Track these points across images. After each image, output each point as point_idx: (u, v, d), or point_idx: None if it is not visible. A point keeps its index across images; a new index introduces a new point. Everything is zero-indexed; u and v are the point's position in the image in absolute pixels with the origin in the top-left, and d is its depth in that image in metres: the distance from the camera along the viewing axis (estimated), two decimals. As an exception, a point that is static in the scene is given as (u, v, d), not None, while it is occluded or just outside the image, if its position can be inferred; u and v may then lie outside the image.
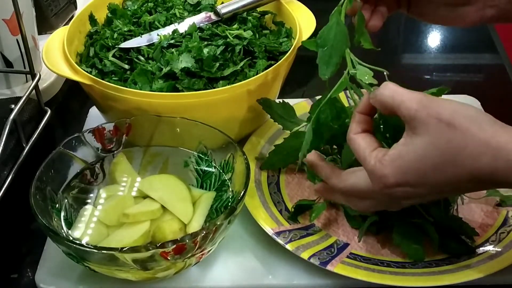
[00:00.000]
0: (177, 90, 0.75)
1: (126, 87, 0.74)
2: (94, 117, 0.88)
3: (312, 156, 0.65)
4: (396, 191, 0.55)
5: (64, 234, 0.66)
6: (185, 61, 0.76)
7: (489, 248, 0.68)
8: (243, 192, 0.64)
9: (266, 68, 0.77)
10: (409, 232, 0.68)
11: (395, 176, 0.54)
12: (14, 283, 0.70)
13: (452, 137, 0.51)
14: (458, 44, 1.14)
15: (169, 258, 0.59)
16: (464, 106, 0.53)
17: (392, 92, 0.55)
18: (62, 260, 0.65)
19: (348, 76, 0.62)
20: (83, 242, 0.66)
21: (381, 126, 0.63)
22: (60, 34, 0.80)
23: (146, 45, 0.81)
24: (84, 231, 0.67)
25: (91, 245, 0.64)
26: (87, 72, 0.76)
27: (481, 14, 0.70)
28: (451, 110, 0.52)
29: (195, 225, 0.68)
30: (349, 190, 0.60)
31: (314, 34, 0.82)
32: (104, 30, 0.84)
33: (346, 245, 0.69)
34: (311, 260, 0.66)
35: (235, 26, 0.84)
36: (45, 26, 1.00)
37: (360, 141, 0.58)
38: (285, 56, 0.77)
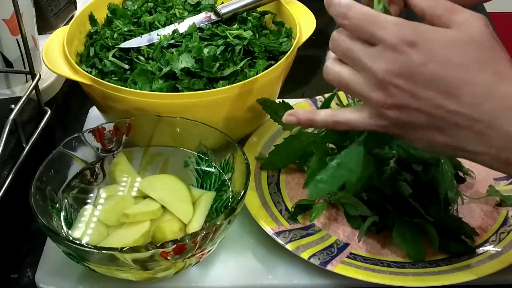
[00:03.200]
0: (177, 90, 0.75)
1: (126, 87, 0.74)
2: (94, 117, 0.88)
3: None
4: (407, 52, 0.49)
5: (64, 234, 0.66)
6: (185, 61, 0.76)
7: (489, 248, 0.68)
8: (243, 192, 0.64)
9: (266, 68, 0.77)
10: (409, 232, 0.68)
11: (420, 35, 0.49)
12: (14, 283, 0.70)
13: (496, 48, 0.50)
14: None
15: (169, 258, 0.59)
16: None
17: None
18: (62, 260, 0.65)
19: None
20: (83, 242, 0.66)
21: None
22: (60, 34, 0.80)
23: (146, 45, 0.81)
24: (84, 231, 0.67)
25: (91, 245, 0.64)
26: (87, 72, 0.76)
27: None
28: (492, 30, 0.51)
29: (195, 225, 0.68)
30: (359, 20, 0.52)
31: (314, 34, 0.82)
32: (104, 30, 0.84)
33: (346, 245, 0.69)
34: (311, 260, 0.66)
35: (235, 26, 0.84)
36: (45, 26, 0.99)
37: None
38: (285, 56, 0.77)
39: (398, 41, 0.49)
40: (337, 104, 0.83)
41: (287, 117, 0.60)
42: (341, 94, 0.83)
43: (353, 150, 0.60)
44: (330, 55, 0.56)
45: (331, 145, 0.70)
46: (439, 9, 0.51)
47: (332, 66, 0.55)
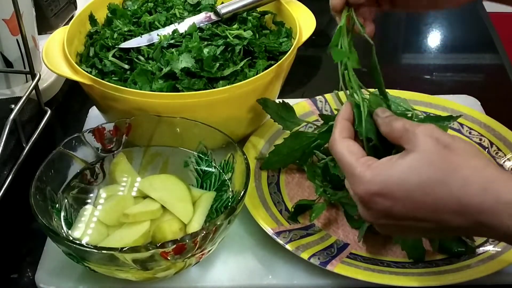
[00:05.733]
0: (177, 90, 0.75)
1: (126, 87, 0.74)
2: (94, 117, 0.88)
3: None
4: (376, 201, 0.53)
5: (64, 234, 0.66)
6: (185, 61, 0.76)
7: (489, 248, 0.68)
8: (243, 192, 0.64)
9: (266, 68, 0.77)
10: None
11: (380, 184, 0.53)
12: (14, 283, 0.70)
13: (447, 157, 0.51)
14: (458, 44, 1.14)
15: (169, 258, 0.59)
16: (464, 140, 0.54)
17: (404, 122, 0.55)
18: (62, 260, 0.65)
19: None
20: (83, 242, 0.66)
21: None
22: (60, 34, 0.80)
23: (146, 45, 0.81)
24: (84, 231, 0.67)
25: (91, 245, 0.64)
26: (87, 72, 0.76)
27: None
28: (451, 138, 0.53)
29: (195, 225, 0.68)
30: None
31: (314, 34, 0.82)
32: (104, 30, 0.84)
33: (346, 245, 0.69)
34: (311, 260, 0.66)
35: (235, 26, 0.84)
36: (45, 26, 0.99)
37: (350, 146, 0.57)
38: (285, 56, 0.77)
39: (366, 195, 0.53)
40: (335, 110, 0.83)
41: None
42: (341, 94, 0.83)
43: None
44: (338, 129, 0.59)
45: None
46: (394, 134, 0.56)
47: (336, 141, 0.58)
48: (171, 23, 0.85)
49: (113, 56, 0.80)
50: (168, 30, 0.82)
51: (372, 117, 0.59)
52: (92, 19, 0.86)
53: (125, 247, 0.57)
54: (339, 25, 0.62)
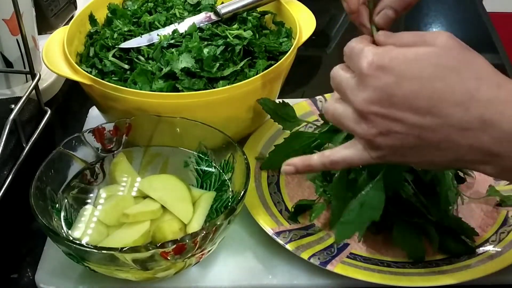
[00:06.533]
0: (177, 90, 0.75)
1: (126, 87, 0.74)
2: (94, 117, 0.88)
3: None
4: (378, 76, 0.49)
5: (64, 234, 0.66)
6: (185, 61, 0.76)
7: (489, 248, 0.68)
8: (243, 192, 0.64)
9: (266, 68, 0.77)
10: (409, 232, 0.68)
11: (390, 59, 0.49)
12: (14, 283, 0.70)
13: (465, 52, 0.49)
14: (458, 44, 1.14)
15: (169, 258, 0.59)
16: None
17: (414, 32, 0.52)
18: (62, 260, 0.65)
19: None
20: (83, 242, 0.66)
21: None
22: (60, 34, 0.80)
23: (146, 45, 0.81)
24: (84, 231, 0.67)
25: (91, 245, 0.64)
26: (87, 72, 0.76)
27: None
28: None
29: (195, 225, 0.68)
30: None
31: (314, 34, 0.82)
32: (104, 30, 0.84)
33: (346, 245, 0.69)
34: (311, 260, 0.66)
35: (235, 26, 0.84)
36: (45, 26, 0.99)
37: (360, 39, 0.53)
38: (285, 56, 0.77)
39: (369, 67, 0.50)
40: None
41: (284, 167, 0.61)
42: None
43: (374, 188, 0.61)
44: (334, 95, 0.57)
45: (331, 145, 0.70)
46: (404, 40, 0.51)
47: (330, 103, 0.56)
48: (171, 23, 0.85)
49: (113, 56, 0.80)
50: (168, 30, 0.82)
51: None
52: (92, 19, 0.86)
53: (125, 247, 0.57)
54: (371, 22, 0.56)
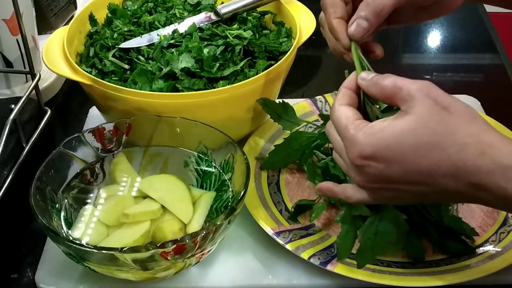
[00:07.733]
0: (177, 90, 0.75)
1: (126, 87, 0.74)
2: (94, 117, 0.88)
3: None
4: (369, 165, 0.52)
5: (64, 234, 0.66)
6: (185, 61, 0.76)
7: (489, 248, 0.68)
8: (243, 192, 0.64)
9: (266, 68, 0.77)
10: (409, 232, 0.67)
11: (373, 147, 0.51)
12: (14, 283, 0.70)
13: (444, 120, 0.50)
14: (458, 44, 1.14)
15: (169, 258, 0.59)
16: (463, 102, 0.52)
17: (394, 78, 0.53)
18: (62, 260, 0.65)
19: None
20: (83, 242, 0.66)
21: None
22: (60, 34, 0.80)
23: (146, 45, 0.81)
24: (84, 231, 0.67)
25: (91, 245, 0.64)
26: (87, 72, 0.76)
27: None
28: (450, 99, 0.51)
29: (195, 225, 0.68)
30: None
31: (314, 34, 0.82)
32: (104, 30, 0.84)
33: (346, 245, 0.69)
34: (311, 260, 0.66)
35: (235, 26, 0.84)
36: (45, 26, 1.00)
37: (345, 110, 0.55)
38: (285, 56, 0.77)
39: (358, 159, 0.53)
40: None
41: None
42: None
43: (387, 215, 0.63)
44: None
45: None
46: (386, 93, 0.53)
47: (334, 155, 0.60)
48: (171, 23, 0.85)
49: (113, 56, 0.80)
50: (168, 30, 0.82)
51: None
52: (92, 19, 0.86)
53: (125, 247, 0.57)
54: (355, 59, 0.60)
